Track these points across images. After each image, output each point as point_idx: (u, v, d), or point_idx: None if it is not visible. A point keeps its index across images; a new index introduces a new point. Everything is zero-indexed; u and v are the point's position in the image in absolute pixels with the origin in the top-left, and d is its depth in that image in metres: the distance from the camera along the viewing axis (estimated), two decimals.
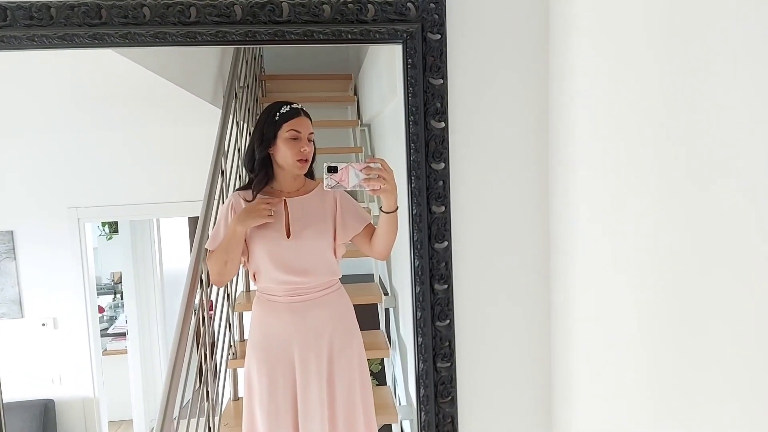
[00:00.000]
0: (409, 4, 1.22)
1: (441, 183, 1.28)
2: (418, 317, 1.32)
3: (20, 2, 1.14)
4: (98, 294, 1.92)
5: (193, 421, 1.55)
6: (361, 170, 1.31)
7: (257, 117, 1.53)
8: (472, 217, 1.34)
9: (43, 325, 1.68)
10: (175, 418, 1.46)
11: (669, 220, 0.93)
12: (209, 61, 1.69)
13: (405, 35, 1.23)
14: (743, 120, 0.76)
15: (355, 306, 1.57)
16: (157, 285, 2.04)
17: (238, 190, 1.53)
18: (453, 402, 1.35)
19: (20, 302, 1.67)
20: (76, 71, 1.51)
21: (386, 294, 1.75)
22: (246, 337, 1.62)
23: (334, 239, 1.50)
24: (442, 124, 1.27)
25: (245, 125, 1.74)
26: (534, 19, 1.31)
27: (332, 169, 1.31)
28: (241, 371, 1.61)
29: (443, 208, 1.29)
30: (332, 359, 1.51)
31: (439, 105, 1.26)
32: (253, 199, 1.47)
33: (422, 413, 1.34)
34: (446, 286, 1.31)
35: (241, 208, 1.47)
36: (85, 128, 1.71)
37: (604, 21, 1.09)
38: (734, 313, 0.80)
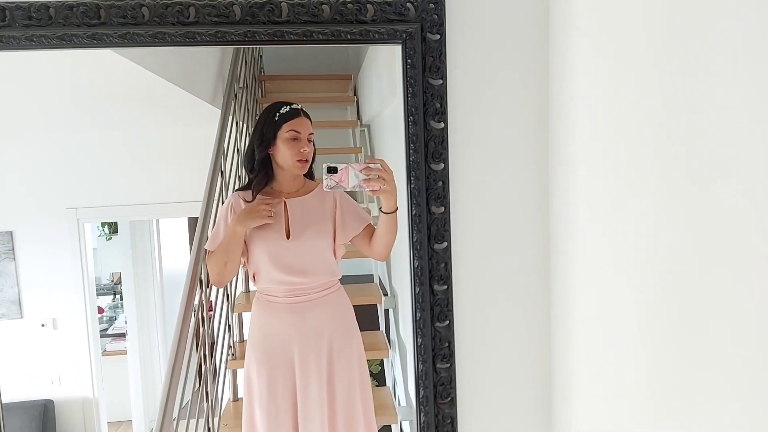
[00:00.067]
0: (408, 5, 1.22)
1: (440, 183, 1.28)
2: (418, 318, 1.31)
3: (19, 2, 1.14)
4: (98, 294, 1.91)
5: (193, 421, 1.55)
6: (360, 171, 1.31)
7: (257, 117, 1.53)
8: (471, 218, 1.34)
9: (43, 325, 1.68)
10: (174, 419, 1.46)
11: (669, 220, 0.93)
12: (209, 61, 1.69)
13: (404, 35, 1.23)
14: (743, 120, 0.76)
15: (354, 307, 1.57)
16: (156, 285, 2.04)
17: (237, 190, 1.53)
18: (452, 403, 1.34)
19: (20, 303, 1.67)
20: (75, 71, 1.51)
21: (386, 295, 1.75)
22: (245, 337, 1.62)
23: (334, 240, 1.50)
24: (442, 125, 1.27)
25: (245, 125, 1.73)
26: (534, 19, 1.31)
27: (332, 170, 1.31)
28: (240, 372, 1.60)
29: (443, 209, 1.29)
30: (332, 360, 1.51)
31: (438, 105, 1.26)
32: (252, 200, 1.47)
33: (422, 414, 1.34)
34: (446, 286, 1.31)
35: (241, 208, 1.47)
36: (84, 128, 1.70)
37: (604, 21, 1.09)
38: (734, 313, 0.80)
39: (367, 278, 1.82)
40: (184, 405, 1.52)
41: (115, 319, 2.36)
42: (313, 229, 1.49)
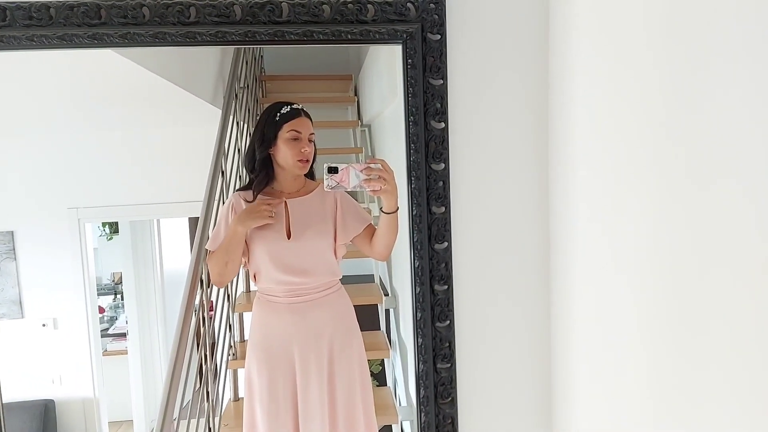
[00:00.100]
0: (408, 5, 1.22)
1: (441, 183, 1.28)
2: (418, 318, 1.31)
3: (19, 2, 1.14)
4: (98, 294, 1.92)
5: (194, 421, 1.55)
6: (361, 171, 1.31)
7: (258, 117, 1.53)
8: (472, 218, 1.34)
9: (44, 325, 1.68)
10: (175, 419, 1.46)
11: (669, 220, 0.93)
12: (209, 61, 1.69)
13: (405, 35, 1.23)
14: (743, 120, 0.76)
15: (355, 306, 1.57)
16: (157, 285, 2.04)
17: (238, 190, 1.53)
18: (453, 403, 1.35)
19: (20, 302, 1.67)
20: (75, 71, 1.51)
21: (386, 295, 1.75)
22: (246, 337, 1.62)
23: (335, 240, 1.50)
24: (442, 125, 1.27)
25: (245, 126, 1.73)
26: (534, 19, 1.31)
27: (333, 170, 1.31)
28: (241, 372, 1.60)
29: (443, 209, 1.29)
30: (332, 360, 1.51)
31: (439, 105, 1.26)
32: (253, 200, 1.47)
33: (422, 414, 1.34)
34: (446, 286, 1.31)
35: (242, 208, 1.47)
36: (85, 128, 1.71)
37: (604, 21, 1.09)
38: (734, 313, 0.80)
39: (368, 278, 1.82)
40: (184, 405, 1.52)
41: (116, 318, 2.36)
42: (314, 229, 1.49)
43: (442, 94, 1.26)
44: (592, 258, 1.19)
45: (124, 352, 2.04)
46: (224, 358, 1.66)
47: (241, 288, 1.69)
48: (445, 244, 1.30)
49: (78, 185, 1.69)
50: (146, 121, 1.72)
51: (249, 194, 1.48)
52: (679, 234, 0.90)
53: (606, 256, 1.13)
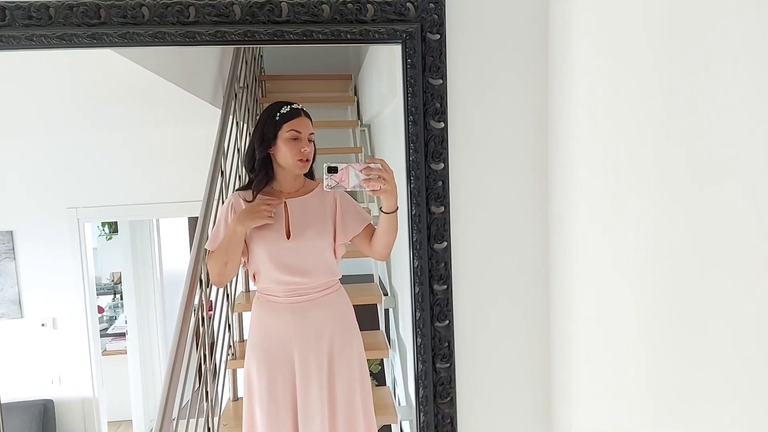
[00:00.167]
0: (408, 4, 1.22)
1: (440, 183, 1.28)
2: (418, 318, 1.31)
3: (19, 2, 1.14)
4: (98, 294, 1.92)
5: (193, 421, 1.55)
6: (361, 171, 1.31)
7: (257, 117, 1.53)
8: (471, 218, 1.33)
9: (43, 325, 1.68)
10: (174, 419, 1.46)
11: (669, 220, 0.93)
12: (209, 61, 1.69)
13: (404, 35, 1.23)
14: (743, 120, 0.76)
15: (354, 306, 1.57)
16: (156, 285, 2.04)
17: (238, 190, 1.53)
18: (452, 403, 1.34)
19: (20, 302, 1.67)
20: (75, 71, 1.51)
21: (386, 294, 1.75)
22: (245, 337, 1.62)
23: (334, 240, 1.50)
24: (442, 125, 1.27)
25: (245, 125, 1.73)
26: (534, 19, 1.30)
27: (332, 170, 1.31)
28: (240, 371, 1.60)
29: (442, 209, 1.29)
30: (332, 359, 1.51)
31: (438, 105, 1.26)
32: (253, 200, 1.47)
33: (421, 414, 1.34)
34: (445, 286, 1.31)
35: (241, 208, 1.47)
36: (85, 128, 1.70)
37: (604, 21, 1.09)
38: (734, 313, 0.80)
39: (367, 278, 1.82)
40: (184, 405, 1.52)
41: (115, 318, 2.37)
42: (314, 229, 1.49)
43: (441, 94, 1.26)
44: (591, 258, 1.19)
45: (124, 352, 2.04)
46: (223, 358, 1.65)
47: (241, 288, 1.69)
48: (445, 243, 1.30)
49: (77, 185, 1.69)
50: (146, 120, 1.72)
51: (248, 194, 1.48)
52: (679, 234, 0.90)
53: (606, 256, 1.13)
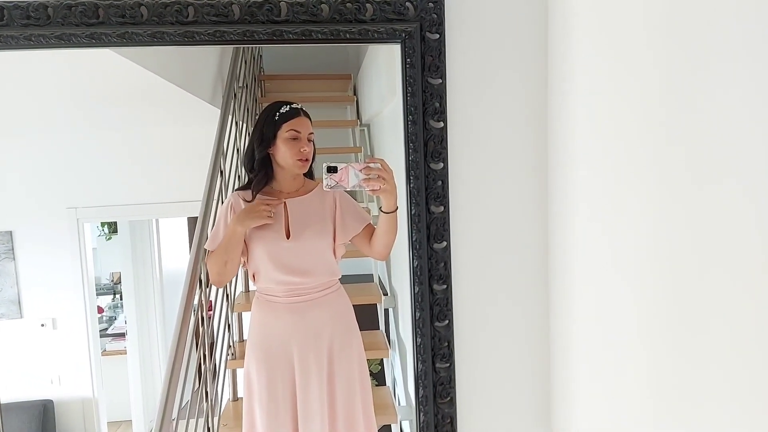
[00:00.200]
0: (407, 4, 1.22)
1: (440, 183, 1.28)
2: (417, 317, 1.31)
3: (17, 2, 1.14)
4: (97, 294, 1.92)
5: (192, 421, 1.55)
6: (360, 170, 1.31)
7: (257, 117, 1.53)
8: (471, 217, 1.33)
9: (42, 325, 1.68)
10: (174, 419, 1.46)
11: (669, 220, 0.93)
12: (208, 60, 1.69)
13: (403, 35, 1.23)
14: (743, 120, 0.76)
15: (354, 306, 1.57)
16: (156, 285, 2.04)
17: (237, 190, 1.53)
18: (452, 402, 1.34)
19: (19, 302, 1.67)
20: (75, 71, 1.51)
21: (386, 294, 1.75)
22: (245, 337, 1.62)
23: (334, 239, 1.50)
24: (441, 124, 1.27)
25: (244, 125, 1.73)
26: (533, 19, 1.30)
27: (332, 169, 1.31)
28: (240, 371, 1.60)
29: (442, 208, 1.29)
30: (332, 359, 1.51)
31: (437, 105, 1.26)
32: (252, 199, 1.47)
33: (421, 414, 1.34)
34: (445, 286, 1.31)
35: (241, 208, 1.46)
36: (84, 128, 1.70)
37: (604, 21, 1.09)
38: (734, 312, 0.80)
39: (367, 278, 1.82)
40: (183, 405, 1.51)
41: (115, 318, 2.37)
42: (313, 228, 1.49)
43: (440, 94, 1.26)
44: (591, 258, 1.19)
45: (123, 352, 2.04)
46: (223, 358, 1.65)
47: (240, 288, 1.69)
48: (444, 243, 1.30)
49: (77, 185, 1.69)
50: (145, 120, 1.72)
51: (248, 194, 1.48)
52: (679, 234, 0.90)
53: (606, 256, 1.13)
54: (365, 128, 1.87)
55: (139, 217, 2.02)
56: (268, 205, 1.46)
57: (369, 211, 1.59)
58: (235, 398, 1.70)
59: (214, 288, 1.62)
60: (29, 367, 1.71)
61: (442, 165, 1.28)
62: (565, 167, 1.27)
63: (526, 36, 1.31)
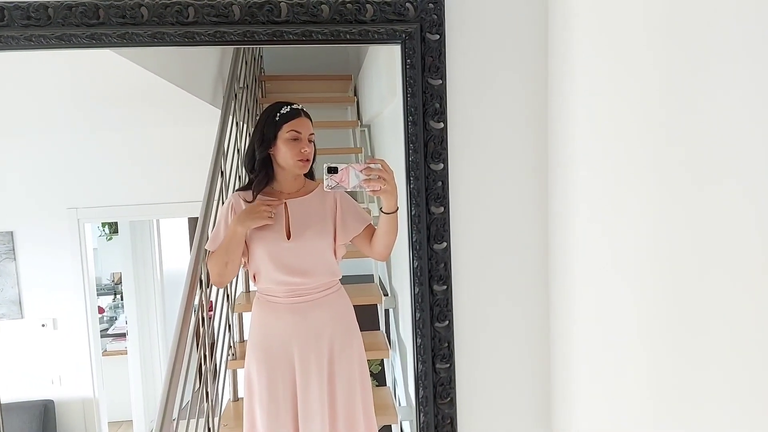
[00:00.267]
0: (407, 4, 1.22)
1: (440, 184, 1.28)
2: (417, 318, 1.31)
3: (18, 2, 1.14)
4: (98, 294, 1.92)
5: (193, 421, 1.55)
6: (361, 171, 1.31)
7: (257, 117, 1.53)
8: (471, 218, 1.33)
9: (43, 325, 1.68)
10: (174, 419, 1.46)
11: (669, 220, 0.93)
12: (209, 61, 1.69)
13: (404, 35, 1.23)
14: (743, 120, 0.76)
15: (355, 307, 1.57)
16: (157, 285, 2.04)
17: (238, 190, 1.53)
18: (452, 403, 1.34)
19: (20, 303, 1.67)
20: (75, 71, 1.51)
21: (386, 295, 1.75)
22: (246, 337, 1.62)
23: (335, 240, 1.50)
24: (441, 125, 1.27)
25: (245, 126, 1.73)
26: (533, 19, 1.30)
27: (332, 170, 1.31)
28: (240, 372, 1.60)
29: (442, 209, 1.29)
30: (332, 359, 1.51)
31: (437, 105, 1.26)
32: (253, 200, 1.47)
33: (421, 414, 1.34)
34: (445, 287, 1.31)
35: (241, 208, 1.47)
36: (85, 128, 1.70)
37: (604, 21, 1.09)
38: (734, 313, 0.80)
39: (368, 278, 1.82)
40: (184, 405, 1.52)
41: (116, 319, 2.37)
42: (314, 229, 1.49)
43: (441, 94, 1.26)
44: (591, 258, 1.19)
45: (124, 353, 2.04)
46: (224, 359, 1.65)
47: (241, 288, 1.69)
48: (444, 244, 1.30)
49: (78, 185, 1.69)
50: (146, 121, 1.72)
51: (249, 194, 1.48)
52: (679, 234, 0.90)
53: (606, 256, 1.13)
54: (366, 129, 1.87)
55: (139, 218, 2.02)
56: (268, 205, 1.46)
57: (369, 212, 1.59)
58: (236, 398, 1.70)
59: (214, 288, 1.62)
60: (30, 367, 1.71)
61: (442, 166, 1.28)
62: (565, 168, 1.27)
63: (526, 37, 1.31)
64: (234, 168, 1.66)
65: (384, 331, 1.75)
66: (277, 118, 1.45)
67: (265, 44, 1.23)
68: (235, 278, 1.63)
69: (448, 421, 1.34)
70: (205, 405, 1.58)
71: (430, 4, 1.23)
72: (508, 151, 1.33)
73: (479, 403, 1.38)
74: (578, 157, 1.21)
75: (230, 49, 1.68)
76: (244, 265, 1.51)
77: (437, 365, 1.33)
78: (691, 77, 0.85)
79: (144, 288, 2.05)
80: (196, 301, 1.57)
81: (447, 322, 1.32)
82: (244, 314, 1.69)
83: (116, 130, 1.68)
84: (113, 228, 2.19)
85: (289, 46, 1.23)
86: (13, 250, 1.68)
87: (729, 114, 0.78)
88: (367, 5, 1.21)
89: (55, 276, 1.70)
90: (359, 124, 1.89)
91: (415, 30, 1.23)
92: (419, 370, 1.33)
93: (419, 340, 1.32)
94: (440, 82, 1.25)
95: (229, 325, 1.68)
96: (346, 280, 1.55)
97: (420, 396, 1.33)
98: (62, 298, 1.69)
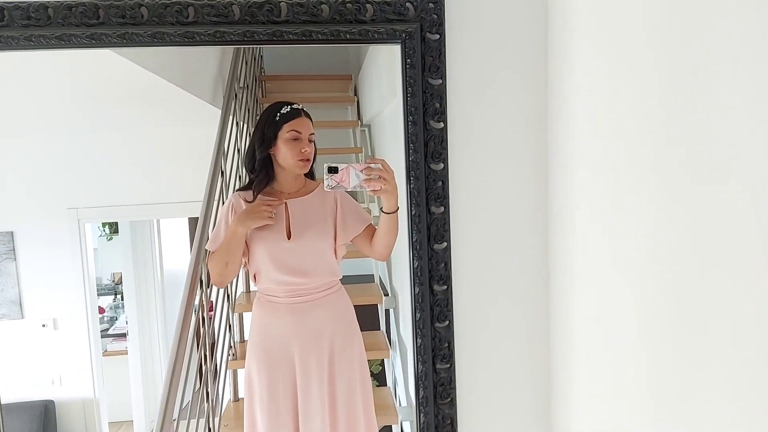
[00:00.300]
0: (407, 4, 1.22)
1: (440, 183, 1.28)
2: (418, 318, 1.31)
3: (18, 2, 1.14)
4: (98, 295, 1.92)
5: (193, 422, 1.55)
6: (361, 171, 1.31)
7: (257, 117, 1.53)
8: (471, 218, 1.33)
9: (44, 325, 1.68)
10: (175, 419, 1.46)
11: (669, 220, 0.93)
12: (209, 61, 1.69)
13: (404, 35, 1.23)
14: (743, 120, 0.76)
15: (355, 306, 1.57)
16: (157, 286, 2.04)
17: (238, 190, 1.53)
18: (452, 403, 1.34)
19: (20, 303, 1.67)
20: (75, 71, 1.51)
21: (386, 295, 1.75)
22: (246, 337, 1.62)
23: (335, 240, 1.50)
24: (441, 125, 1.27)
25: (245, 126, 1.73)
26: (533, 19, 1.30)
27: (333, 170, 1.31)
28: (241, 372, 1.60)
29: (442, 209, 1.29)
30: (333, 360, 1.51)
31: (438, 105, 1.26)
32: (253, 200, 1.47)
33: (421, 414, 1.34)
34: (445, 287, 1.31)
35: (242, 208, 1.47)
36: (85, 128, 1.70)
37: (604, 21, 1.09)
38: (734, 313, 0.80)
39: (368, 278, 1.82)
40: (184, 405, 1.52)
41: (116, 319, 2.36)
42: (314, 229, 1.49)
43: (441, 94, 1.26)
44: (591, 258, 1.19)
45: (124, 353, 2.04)
46: (224, 359, 1.66)
47: (241, 288, 1.69)
48: (444, 244, 1.30)
49: (78, 185, 1.69)
50: (146, 121, 1.72)
51: (249, 194, 1.48)
52: (679, 234, 0.90)
53: (606, 256, 1.13)
54: (366, 129, 1.87)
55: (140, 218, 2.02)
56: (269, 205, 1.46)
57: (370, 212, 1.59)
58: (236, 399, 1.70)
59: (215, 288, 1.62)
60: (30, 367, 1.71)
61: (442, 165, 1.28)
62: (565, 168, 1.27)
63: (526, 36, 1.31)
64: (234, 168, 1.66)
65: (384, 331, 1.75)
66: (277, 118, 1.45)
67: (265, 44, 1.23)
68: (236, 278, 1.63)
69: (449, 421, 1.34)
70: (206, 405, 1.58)
71: (430, 4, 1.23)
72: (508, 151, 1.33)
73: (479, 403, 1.38)
74: (578, 157, 1.21)
75: (230, 49, 1.68)
76: (245, 265, 1.51)
77: (437, 365, 1.33)
78: (691, 77, 0.85)
79: (144, 288, 2.05)
80: (197, 301, 1.57)
81: (447, 322, 1.32)
82: (244, 314, 1.69)
83: (116, 130, 1.68)
84: (113, 228, 2.19)
85: (289, 46, 1.23)
86: (14, 250, 1.68)
87: (729, 114, 0.78)
88: (367, 5, 1.21)
89: (55, 276, 1.70)
90: (359, 123, 1.89)
91: (415, 30, 1.23)
92: (419, 370, 1.33)
93: (419, 340, 1.31)
94: (440, 81, 1.25)
95: (230, 325, 1.68)
96: (346, 280, 1.55)
97: (420, 396, 1.33)
98: (62, 298, 1.69)
